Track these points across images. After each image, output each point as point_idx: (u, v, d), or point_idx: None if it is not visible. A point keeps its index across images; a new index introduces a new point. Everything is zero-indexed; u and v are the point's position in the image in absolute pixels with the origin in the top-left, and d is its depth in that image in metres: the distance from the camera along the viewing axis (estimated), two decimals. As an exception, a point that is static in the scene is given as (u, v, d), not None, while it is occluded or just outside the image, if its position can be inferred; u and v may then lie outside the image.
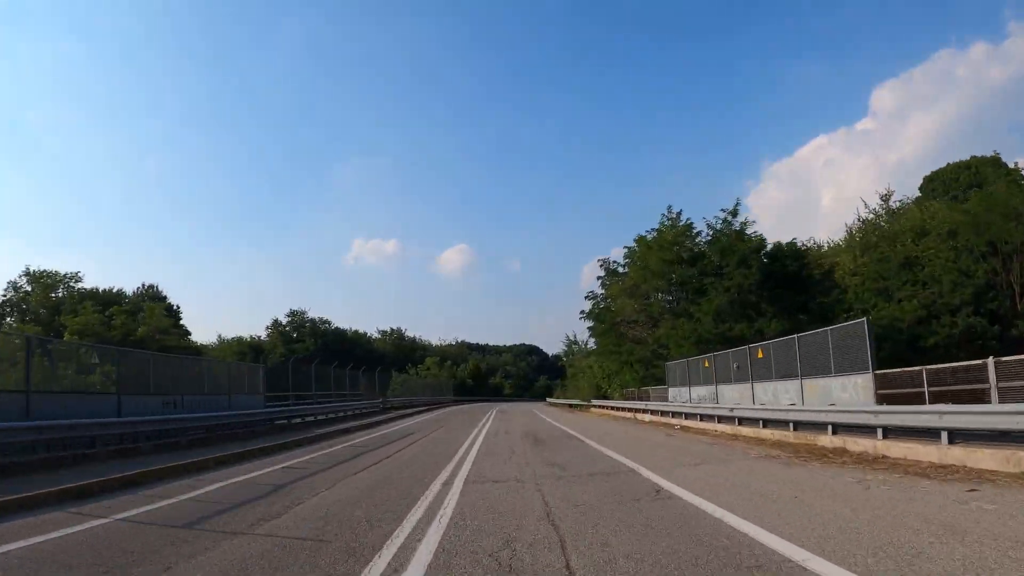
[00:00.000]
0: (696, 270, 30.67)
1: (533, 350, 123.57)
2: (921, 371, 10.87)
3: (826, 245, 34.76)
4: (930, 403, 10.47)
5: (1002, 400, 9.57)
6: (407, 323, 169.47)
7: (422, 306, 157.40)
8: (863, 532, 4.91)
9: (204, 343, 55.37)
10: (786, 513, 5.76)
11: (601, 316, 38.90)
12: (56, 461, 10.47)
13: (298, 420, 22.80)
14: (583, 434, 17.05)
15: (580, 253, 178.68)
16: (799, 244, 31.14)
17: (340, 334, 77.69)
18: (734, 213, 30.96)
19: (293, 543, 5.11)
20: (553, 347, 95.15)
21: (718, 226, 31.22)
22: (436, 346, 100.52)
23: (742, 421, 15.18)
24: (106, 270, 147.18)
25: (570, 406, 44.27)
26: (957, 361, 11.69)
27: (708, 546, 4.60)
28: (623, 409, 28.82)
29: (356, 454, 12.81)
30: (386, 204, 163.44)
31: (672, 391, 24.58)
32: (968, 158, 39.70)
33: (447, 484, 8.21)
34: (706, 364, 20.65)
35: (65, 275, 43.66)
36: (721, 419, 16.52)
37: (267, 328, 73.00)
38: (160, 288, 50.82)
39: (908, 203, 32.49)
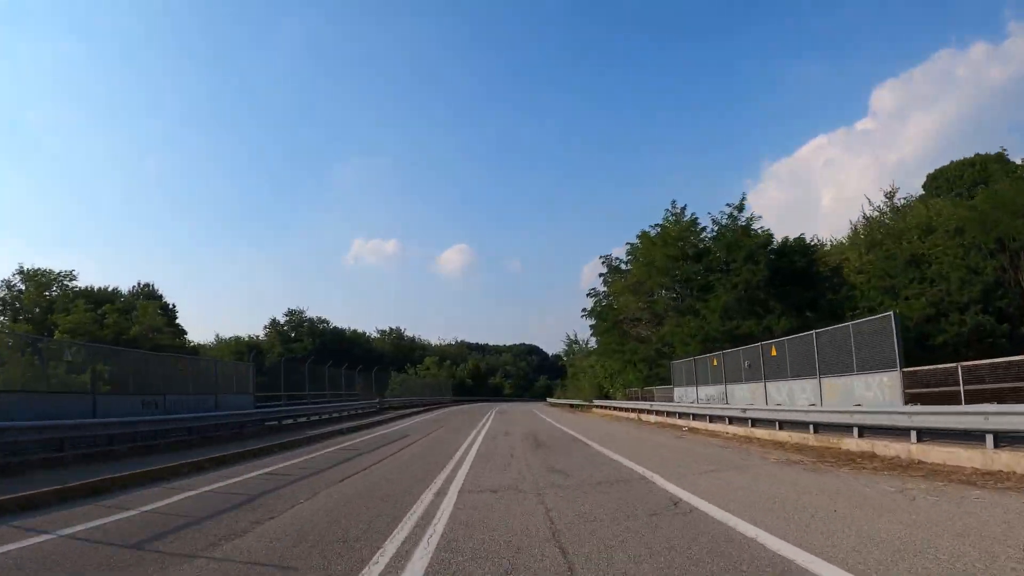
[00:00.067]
0: (702, 266, 29.83)
1: (533, 350, 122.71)
2: (956, 368, 10.02)
3: (828, 244, 34.19)
4: (966, 403, 9.66)
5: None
6: (407, 323, 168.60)
7: (422, 306, 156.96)
8: (928, 556, 4.09)
9: (202, 343, 54.76)
10: (830, 532, 4.94)
11: (603, 314, 37.98)
12: (17, 467, 9.64)
13: (290, 421, 21.96)
14: (586, 436, 16.22)
15: (580, 253, 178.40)
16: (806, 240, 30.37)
17: (338, 333, 76.81)
18: (740, 208, 30.11)
19: (251, 571, 4.29)
20: (553, 347, 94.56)
21: (723, 221, 30.41)
22: (435, 346, 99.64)
23: (756, 422, 14.35)
24: (106, 270, 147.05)
25: (571, 406, 43.46)
26: (966, 360, 10.89)
27: (751, 579, 3.78)
28: (627, 409, 27.98)
29: (345, 458, 11.98)
30: (386, 204, 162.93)
31: (678, 391, 23.74)
32: (972, 155, 39.16)
33: (440, 494, 7.38)
34: (714, 363, 19.82)
35: (59, 273, 42.88)
36: (732, 420, 15.70)
37: (265, 328, 72.17)
38: (155, 287, 50.05)
39: (912, 200, 31.97)
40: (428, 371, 78.02)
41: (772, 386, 15.63)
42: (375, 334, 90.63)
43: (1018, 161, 32.47)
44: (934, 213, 27.28)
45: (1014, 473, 7.25)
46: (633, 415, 25.84)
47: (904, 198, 31.92)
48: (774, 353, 15.45)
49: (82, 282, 43.44)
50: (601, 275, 39.77)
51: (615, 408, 30.74)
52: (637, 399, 29.99)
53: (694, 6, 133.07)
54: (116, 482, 8.75)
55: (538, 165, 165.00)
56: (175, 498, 7.61)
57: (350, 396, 33.42)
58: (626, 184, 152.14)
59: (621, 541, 4.80)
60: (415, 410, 38.24)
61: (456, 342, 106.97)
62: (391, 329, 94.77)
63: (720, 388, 19.23)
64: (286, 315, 73.78)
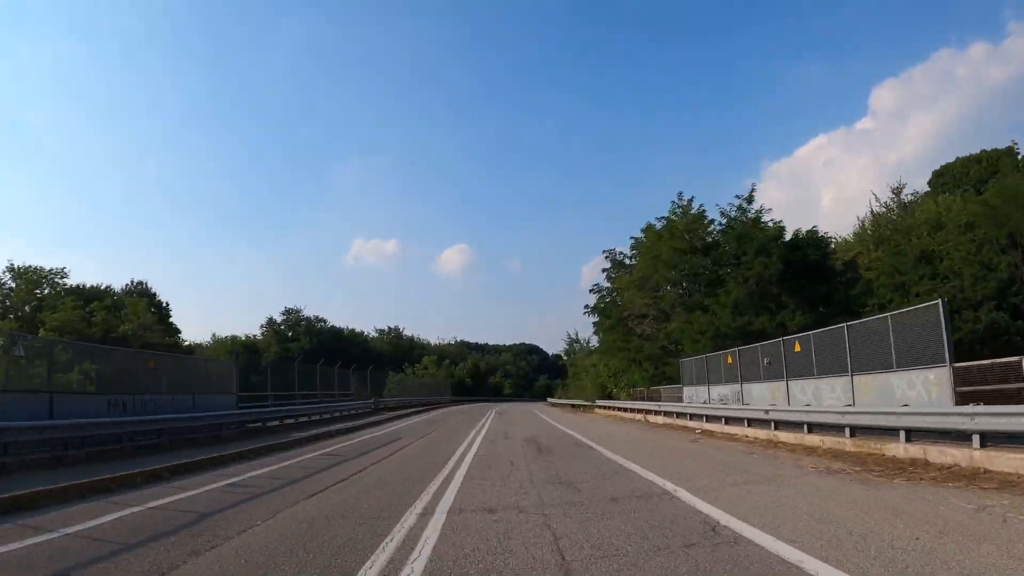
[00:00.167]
0: (710, 260, 28.58)
1: (533, 349, 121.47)
2: (1019, 361, 8.77)
3: (832, 243, 33.04)
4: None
5: None
6: (407, 323, 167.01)
7: (422, 306, 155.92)
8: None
9: (198, 342, 53.63)
10: (927, 571, 3.72)
11: (607, 310, 36.70)
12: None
13: (275, 423, 20.69)
14: (593, 439, 14.97)
15: (580, 253, 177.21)
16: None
17: (336, 332, 75.49)
18: (749, 200, 28.86)
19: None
20: (553, 347, 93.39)
21: (732, 213, 29.12)
22: (435, 345, 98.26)
23: (779, 425, 13.10)
24: (106, 270, 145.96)
25: (572, 407, 42.18)
26: (982, 359, 9.69)
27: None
28: (632, 410, 26.69)
29: (323, 466, 10.73)
30: (386, 204, 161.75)
31: (688, 391, 22.49)
32: (978, 152, 38.18)
33: (425, 515, 6.14)
34: (729, 360, 18.57)
35: (50, 271, 41.73)
36: (752, 422, 14.44)
37: (262, 327, 70.89)
38: (149, 284, 48.81)
39: (920, 196, 31.06)
40: (426, 371, 76.69)
41: (795, 385, 14.37)
42: (373, 334, 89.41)
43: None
44: (943, 209, 26.57)
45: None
46: (639, 416, 24.58)
47: (911, 194, 31.27)
48: (798, 349, 14.19)
49: (79, 282, 42.55)
50: (604, 270, 38.54)
51: (619, 408, 29.46)
52: (643, 399, 28.72)
53: (694, 6, 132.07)
54: (52, 495, 7.54)
55: (538, 165, 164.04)
56: (108, 517, 6.38)
57: (344, 396, 32.15)
58: (626, 184, 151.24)
59: (658, 592, 3.57)
60: (411, 411, 36.96)
61: (455, 341, 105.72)
62: (389, 328, 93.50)
63: (735, 387, 17.98)
64: (283, 314, 72.60)
